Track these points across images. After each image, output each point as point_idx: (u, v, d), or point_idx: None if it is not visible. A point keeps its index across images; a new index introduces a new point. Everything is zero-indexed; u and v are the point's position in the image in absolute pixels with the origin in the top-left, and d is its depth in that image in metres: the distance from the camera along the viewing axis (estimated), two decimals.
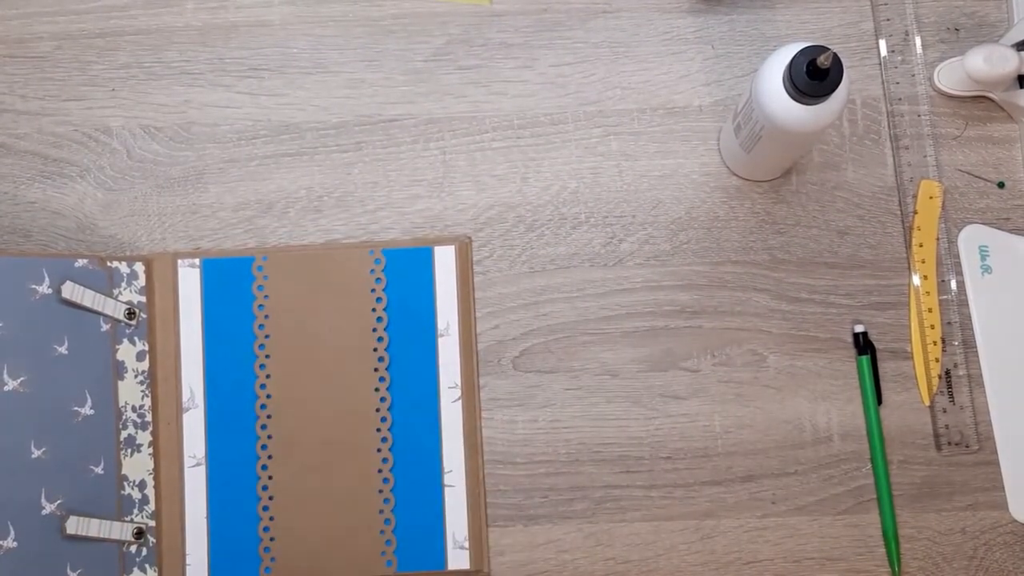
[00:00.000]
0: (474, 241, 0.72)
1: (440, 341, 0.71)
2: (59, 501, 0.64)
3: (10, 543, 0.62)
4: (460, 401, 0.70)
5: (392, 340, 0.71)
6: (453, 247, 0.71)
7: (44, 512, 0.63)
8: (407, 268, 0.71)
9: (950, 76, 0.73)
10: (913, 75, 0.74)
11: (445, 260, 0.72)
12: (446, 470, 0.70)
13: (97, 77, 0.74)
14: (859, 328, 0.71)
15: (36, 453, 0.64)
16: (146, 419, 0.69)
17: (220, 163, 0.73)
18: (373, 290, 0.71)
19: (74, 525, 0.65)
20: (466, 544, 0.69)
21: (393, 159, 0.73)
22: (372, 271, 0.71)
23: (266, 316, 0.71)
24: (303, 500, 0.69)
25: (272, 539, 0.68)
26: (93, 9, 0.75)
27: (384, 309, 0.71)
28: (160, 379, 0.70)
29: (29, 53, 0.74)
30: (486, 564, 0.69)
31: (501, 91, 0.74)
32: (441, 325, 0.71)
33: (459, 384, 0.70)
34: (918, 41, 0.75)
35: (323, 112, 0.74)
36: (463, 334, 0.71)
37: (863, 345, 0.71)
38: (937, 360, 0.71)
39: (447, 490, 0.70)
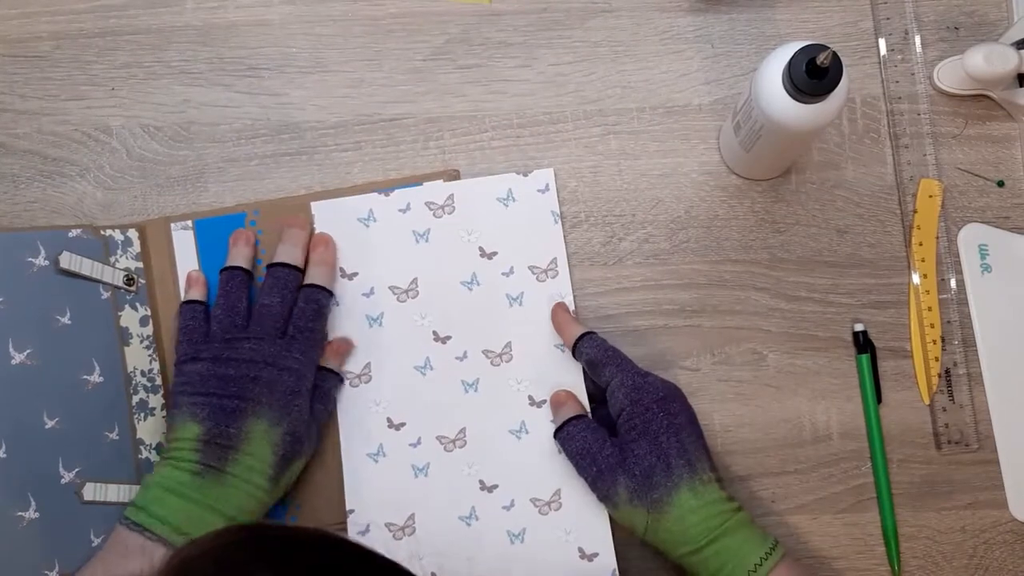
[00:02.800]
0: None
1: None
2: (77, 469, 0.64)
3: (31, 514, 0.62)
4: None
5: None
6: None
7: (63, 481, 0.64)
8: None
9: (950, 75, 0.73)
10: (913, 74, 0.74)
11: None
12: None
13: (97, 76, 0.74)
14: (859, 327, 0.71)
15: (50, 423, 0.64)
16: (156, 382, 0.70)
17: (219, 162, 0.73)
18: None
19: (91, 492, 0.65)
20: None
21: (393, 158, 0.73)
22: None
23: (264, 269, 0.71)
24: None
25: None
26: (93, 8, 0.75)
27: None
28: (166, 342, 0.70)
29: (29, 52, 0.74)
30: None
31: (501, 90, 0.74)
32: None
33: None
34: (918, 40, 0.75)
35: (323, 111, 0.74)
36: None
37: (863, 344, 0.71)
38: (937, 359, 0.71)
39: None
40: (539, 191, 0.71)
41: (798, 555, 0.69)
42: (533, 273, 0.70)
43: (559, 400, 0.67)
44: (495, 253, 0.70)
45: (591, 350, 0.66)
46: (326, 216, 0.71)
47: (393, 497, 0.68)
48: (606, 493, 0.63)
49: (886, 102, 0.74)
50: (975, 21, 0.75)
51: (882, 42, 0.75)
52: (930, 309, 0.72)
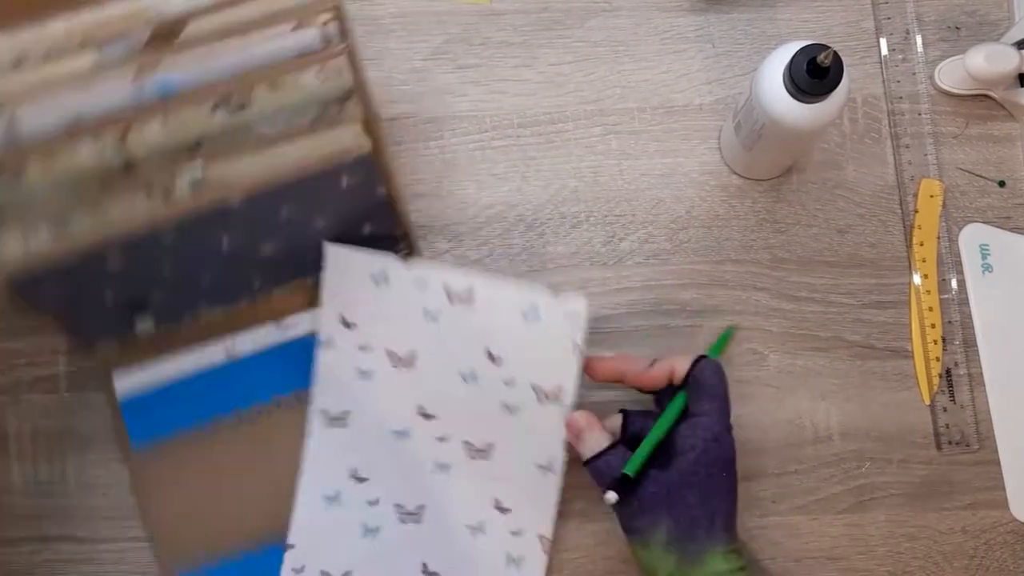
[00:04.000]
0: (474, 240, 0.72)
1: None
2: None
3: None
4: None
5: None
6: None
7: None
8: None
9: (951, 75, 0.73)
10: (914, 73, 0.74)
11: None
12: None
13: None
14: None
15: None
16: None
17: None
18: None
19: None
20: None
21: (393, 158, 0.73)
22: None
23: None
24: None
25: None
26: None
27: None
28: None
29: None
30: None
31: (501, 90, 0.74)
32: None
33: None
34: (919, 40, 0.74)
35: None
36: None
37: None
38: (938, 359, 0.71)
39: None
40: (565, 315, 0.65)
41: (798, 555, 0.69)
42: (535, 392, 0.65)
43: (578, 426, 0.63)
44: (501, 359, 0.66)
45: (711, 375, 0.62)
46: (337, 261, 0.67)
47: (336, 548, 0.67)
48: (640, 530, 0.61)
49: (887, 102, 0.74)
50: (976, 21, 0.75)
51: (883, 42, 0.75)
52: (931, 309, 0.72)
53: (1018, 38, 0.71)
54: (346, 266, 0.67)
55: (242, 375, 0.69)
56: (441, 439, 0.67)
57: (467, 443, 0.67)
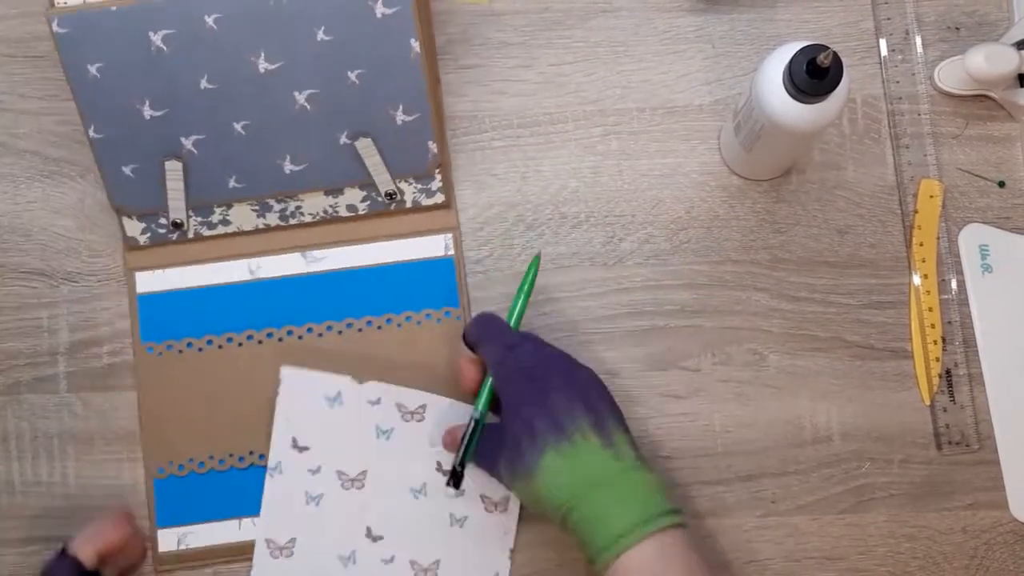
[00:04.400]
0: (474, 241, 0.72)
1: None
2: None
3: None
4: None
5: None
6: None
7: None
8: None
9: (950, 75, 0.73)
10: (913, 74, 0.74)
11: None
12: None
13: None
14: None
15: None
16: None
17: None
18: None
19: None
20: None
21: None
22: None
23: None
24: None
25: None
26: None
27: None
28: None
29: (29, 52, 0.74)
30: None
31: (501, 90, 0.74)
32: None
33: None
34: (918, 40, 0.74)
35: None
36: None
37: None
38: (937, 359, 0.71)
39: None
40: None
41: (798, 556, 0.69)
42: (483, 502, 0.68)
43: (453, 435, 0.65)
44: (448, 472, 0.66)
45: (470, 336, 0.64)
46: (293, 384, 0.69)
47: None
48: (500, 479, 0.62)
49: (887, 102, 0.74)
50: (976, 21, 0.75)
51: (883, 42, 0.75)
52: (931, 309, 0.72)
53: (1018, 38, 0.71)
54: (301, 387, 0.69)
55: (260, 297, 0.71)
56: (387, 561, 0.68)
57: (413, 562, 0.68)
